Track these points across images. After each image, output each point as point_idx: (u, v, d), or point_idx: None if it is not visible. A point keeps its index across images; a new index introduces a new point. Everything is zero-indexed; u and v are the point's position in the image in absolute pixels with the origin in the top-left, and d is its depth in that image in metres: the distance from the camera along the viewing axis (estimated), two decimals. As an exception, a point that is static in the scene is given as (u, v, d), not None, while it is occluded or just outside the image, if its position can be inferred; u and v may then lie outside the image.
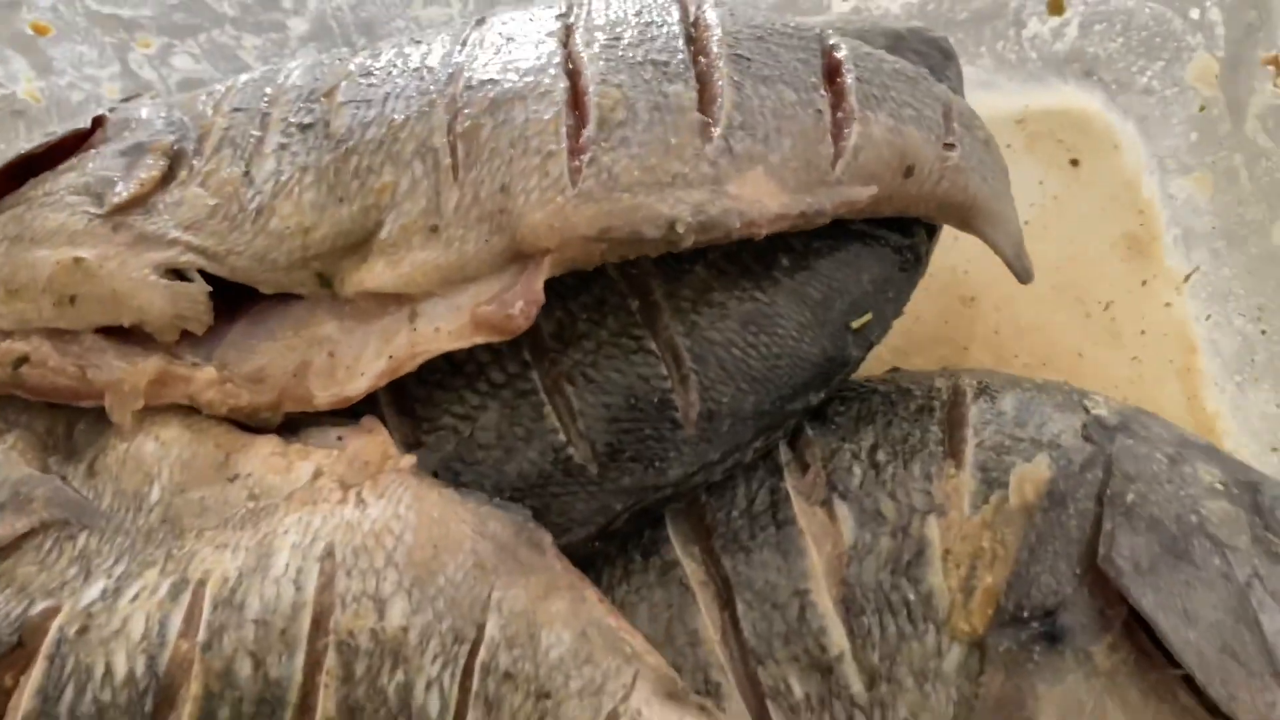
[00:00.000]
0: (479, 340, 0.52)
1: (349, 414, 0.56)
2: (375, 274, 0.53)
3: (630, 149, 0.52)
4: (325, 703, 0.47)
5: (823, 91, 0.57)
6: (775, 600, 0.55)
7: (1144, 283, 0.76)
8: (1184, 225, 0.75)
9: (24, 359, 0.54)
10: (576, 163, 0.52)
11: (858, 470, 0.59)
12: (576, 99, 0.54)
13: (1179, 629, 0.54)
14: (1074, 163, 0.77)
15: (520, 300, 0.51)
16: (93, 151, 0.58)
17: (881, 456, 0.59)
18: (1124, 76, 0.78)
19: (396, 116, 0.55)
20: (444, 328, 0.53)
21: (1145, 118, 0.76)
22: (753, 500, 0.58)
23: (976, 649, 0.55)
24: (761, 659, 0.54)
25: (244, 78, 0.61)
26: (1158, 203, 0.76)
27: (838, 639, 0.55)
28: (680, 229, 0.51)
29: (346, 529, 0.49)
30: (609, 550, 0.58)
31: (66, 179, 0.57)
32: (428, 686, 0.47)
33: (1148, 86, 0.77)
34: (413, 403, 0.57)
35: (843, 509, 0.57)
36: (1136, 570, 0.55)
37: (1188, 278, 0.74)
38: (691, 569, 0.57)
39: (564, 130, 0.52)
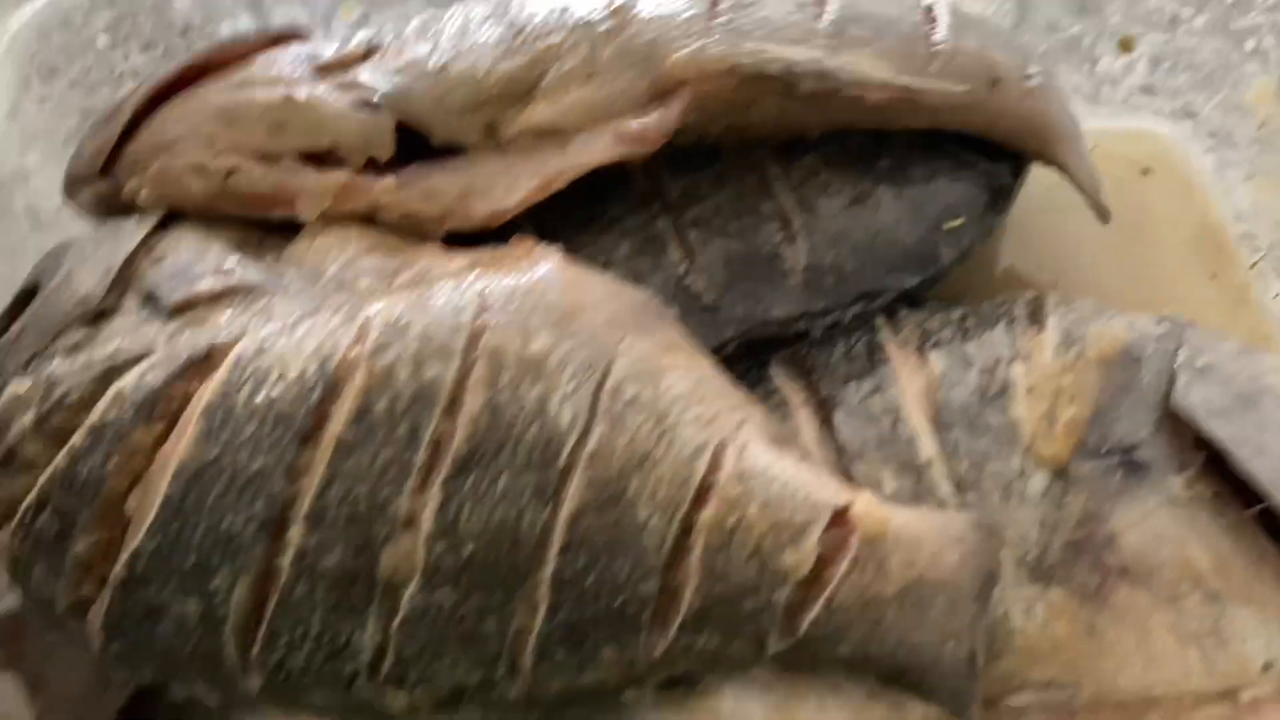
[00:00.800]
0: (620, 153, 0.61)
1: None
2: (538, 112, 0.63)
3: (758, 17, 0.63)
4: (472, 401, 0.53)
5: (920, 14, 0.68)
6: (870, 415, 0.60)
7: (1213, 275, 0.82)
8: (1250, 225, 0.83)
9: (233, 170, 0.64)
10: (712, 23, 0.62)
11: (948, 330, 0.65)
12: (714, -12, 0.65)
13: (1254, 458, 0.58)
14: (1145, 171, 0.85)
15: (657, 119, 0.60)
16: (304, 41, 0.70)
17: (970, 323, 0.65)
18: (1190, 105, 0.87)
19: (563, 4, 0.66)
20: (590, 149, 0.62)
21: (1213, 134, 0.85)
22: (850, 348, 0.64)
23: (1059, 477, 0.59)
24: (855, 457, 0.59)
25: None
26: (1224, 207, 0.84)
27: (927, 447, 0.59)
28: (799, 70, 0.61)
29: (504, 278, 0.56)
30: (717, 383, 0.64)
31: (285, 52, 0.69)
32: (562, 400, 0.53)
33: (1211, 112, 0.86)
34: (555, 243, 0.65)
35: (933, 354, 0.63)
36: (1210, 412, 0.60)
37: (1254, 265, 0.81)
38: (792, 393, 0.62)
39: (705, 2, 0.63)
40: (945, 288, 0.70)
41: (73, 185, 0.71)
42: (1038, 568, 0.58)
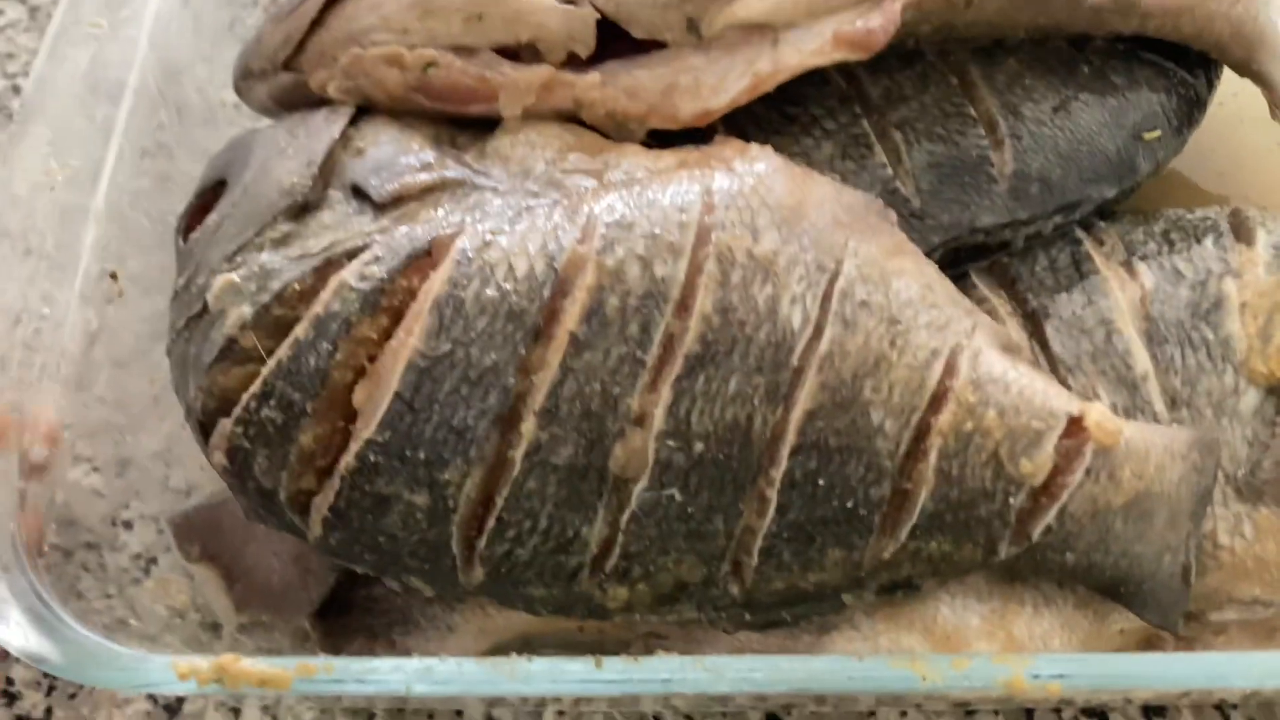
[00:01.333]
0: (838, 58, 0.59)
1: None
2: (747, 6, 0.61)
3: (980, -87, 0.61)
4: (703, 300, 0.52)
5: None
6: (1082, 327, 0.60)
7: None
8: None
9: (432, 63, 0.63)
10: (936, -84, 0.60)
11: (1153, 244, 0.63)
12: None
13: None
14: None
15: (880, 18, 0.59)
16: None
17: (1175, 236, 0.64)
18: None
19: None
20: (805, 48, 0.60)
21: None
22: (1054, 260, 0.63)
23: (1273, 394, 0.58)
24: (1071, 370, 0.58)
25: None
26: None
27: (1142, 361, 0.58)
28: (1023, -41, 0.59)
29: (723, 177, 0.56)
30: (917, 293, 0.63)
31: (476, -58, 0.67)
32: (792, 301, 0.52)
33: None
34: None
35: (1141, 266, 0.62)
36: None
37: None
38: (999, 303, 0.62)
39: (924, -104, 0.61)
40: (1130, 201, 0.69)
41: (246, 80, 0.71)
42: (1247, 485, 0.57)
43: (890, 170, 0.62)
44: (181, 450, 0.67)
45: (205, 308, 0.58)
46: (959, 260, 0.64)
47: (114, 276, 0.64)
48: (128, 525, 0.67)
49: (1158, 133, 0.68)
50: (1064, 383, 0.58)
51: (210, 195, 0.66)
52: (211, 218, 0.63)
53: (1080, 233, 0.65)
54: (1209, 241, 0.62)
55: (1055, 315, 0.60)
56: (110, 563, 0.65)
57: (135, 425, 0.68)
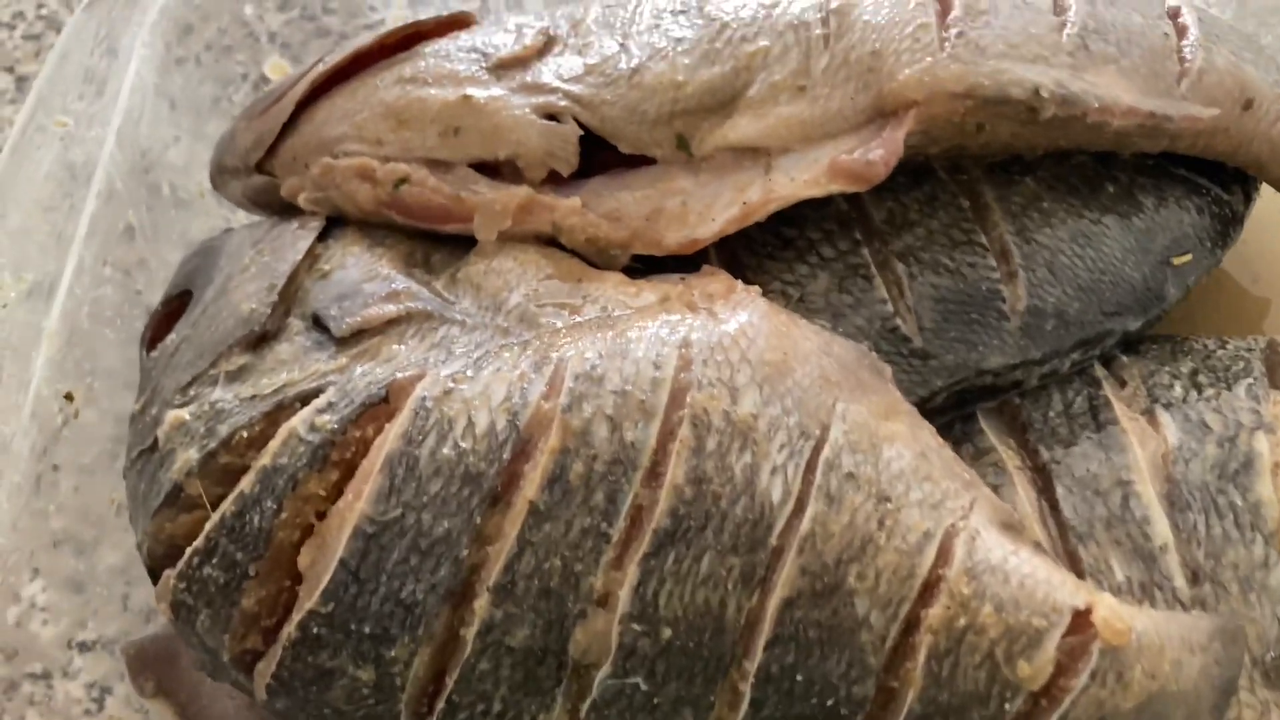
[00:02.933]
0: (834, 189, 0.55)
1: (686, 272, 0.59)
2: (739, 127, 0.57)
3: (995, 30, 0.56)
4: (675, 469, 0.48)
5: (1167, 22, 0.60)
6: (1097, 488, 0.55)
7: None
8: None
9: (405, 179, 0.59)
10: (945, 34, 0.55)
11: (1179, 388, 0.58)
12: (941, -6, 0.58)
13: None
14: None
15: (882, 150, 0.54)
16: (474, 29, 0.65)
17: (1203, 379, 0.59)
18: None
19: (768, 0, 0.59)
20: (800, 177, 0.56)
21: None
22: (1070, 404, 0.58)
23: (1306, 568, 0.53)
24: (1082, 538, 0.54)
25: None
26: None
27: (1162, 530, 0.53)
28: (1045, 94, 0.54)
29: (702, 328, 0.51)
30: (919, 436, 0.58)
31: (455, 43, 0.63)
32: (772, 471, 0.48)
33: None
34: (743, 270, 0.60)
35: (1165, 416, 0.57)
36: None
37: None
38: (1007, 455, 0.57)
39: (933, 11, 0.56)
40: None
41: (220, 175, 0.67)
42: (1276, 670, 0.52)
43: (890, 305, 0.58)
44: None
45: (155, 443, 0.55)
46: (965, 401, 0.59)
47: (69, 397, 0.60)
48: (84, 647, 0.64)
49: (1189, 256, 0.63)
50: (1074, 552, 0.53)
51: (176, 303, 0.63)
52: (171, 336, 0.59)
53: (1100, 370, 0.60)
54: (1241, 389, 0.57)
55: (1068, 472, 0.55)
56: (60, 692, 0.62)
57: (95, 540, 0.64)
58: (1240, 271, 0.75)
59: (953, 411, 0.59)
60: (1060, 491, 0.55)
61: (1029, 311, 0.58)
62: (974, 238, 0.59)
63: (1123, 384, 0.59)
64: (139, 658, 0.61)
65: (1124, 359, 0.61)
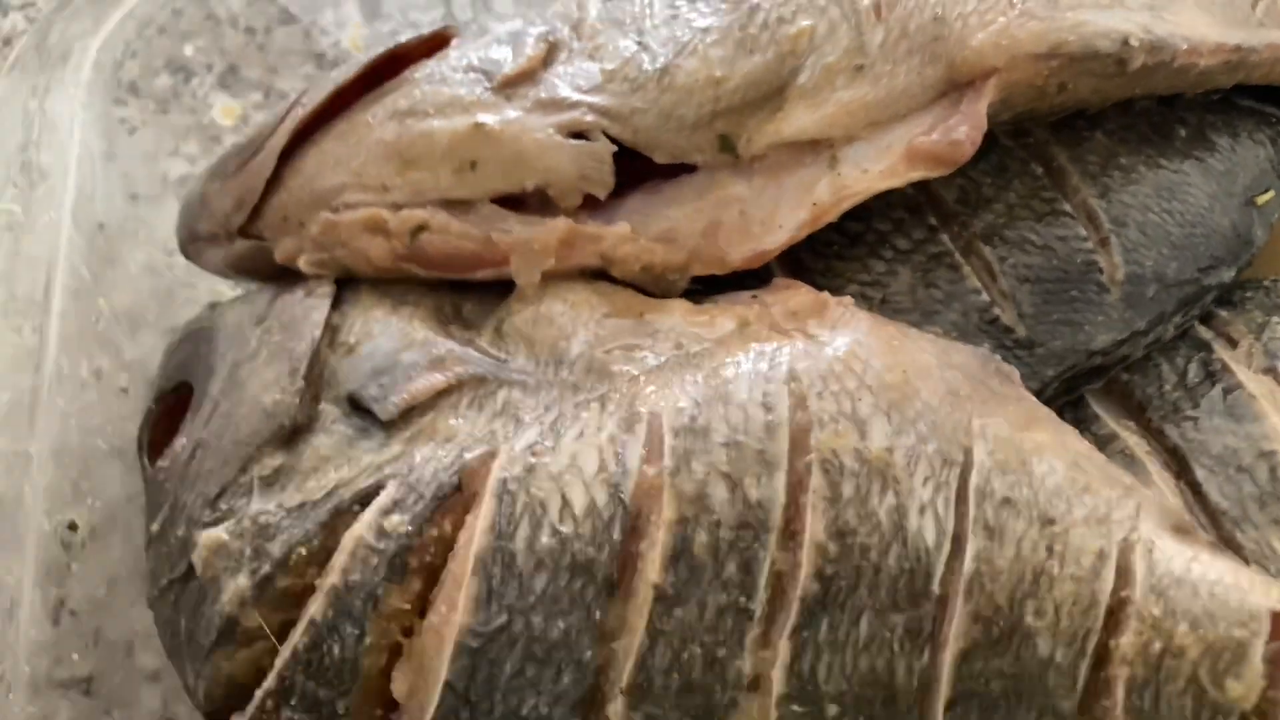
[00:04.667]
0: (915, 176, 0.49)
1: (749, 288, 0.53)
2: (793, 120, 0.51)
3: (1067, -23, 0.50)
4: (813, 525, 0.42)
5: (1230, -53, 0.55)
6: (1239, 464, 0.50)
7: None
8: None
9: (423, 226, 0.52)
10: (1013, -11, 0.50)
11: (1294, 338, 0.54)
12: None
13: None
14: None
15: (965, 125, 0.48)
16: (460, 44, 0.58)
17: (1316, 324, 0.54)
18: None
19: (803, -30, 0.53)
20: (873, 167, 0.50)
21: None
22: (1184, 374, 0.54)
23: None
24: (1237, 522, 0.49)
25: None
26: None
27: (1320, 499, 0.49)
28: (1134, 43, 0.49)
29: (806, 356, 0.45)
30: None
31: (447, 63, 0.56)
32: (921, 510, 0.43)
33: None
34: (812, 275, 0.54)
35: (1292, 373, 0.52)
36: None
37: None
38: (1133, 441, 0.52)
39: (996, -37, 0.50)
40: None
41: (194, 244, 0.60)
42: None
43: (985, 294, 0.52)
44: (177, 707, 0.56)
45: (191, 571, 0.47)
46: (1073, 387, 0.54)
47: (73, 527, 0.53)
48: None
49: (1271, 194, 0.58)
50: (1232, 539, 0.49)
51: (172, 399, 0.56)
52: (180, 441, 0.52)
53: (1204, 331, 0.55)
54: (1363, 332, 0.53)
55: (1203, 451, 0.50)
56: None
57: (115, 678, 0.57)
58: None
59: (1063, 399, 0.53)
60: (1201, 474, 0.50)
61: (1129, 279, 0.53)
62: (1057, 206, 0.54)
63: (1234, 343, 0.54)
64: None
65: (1223, 314, 0.56)
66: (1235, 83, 0.56)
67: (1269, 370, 0.53)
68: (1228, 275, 0.56)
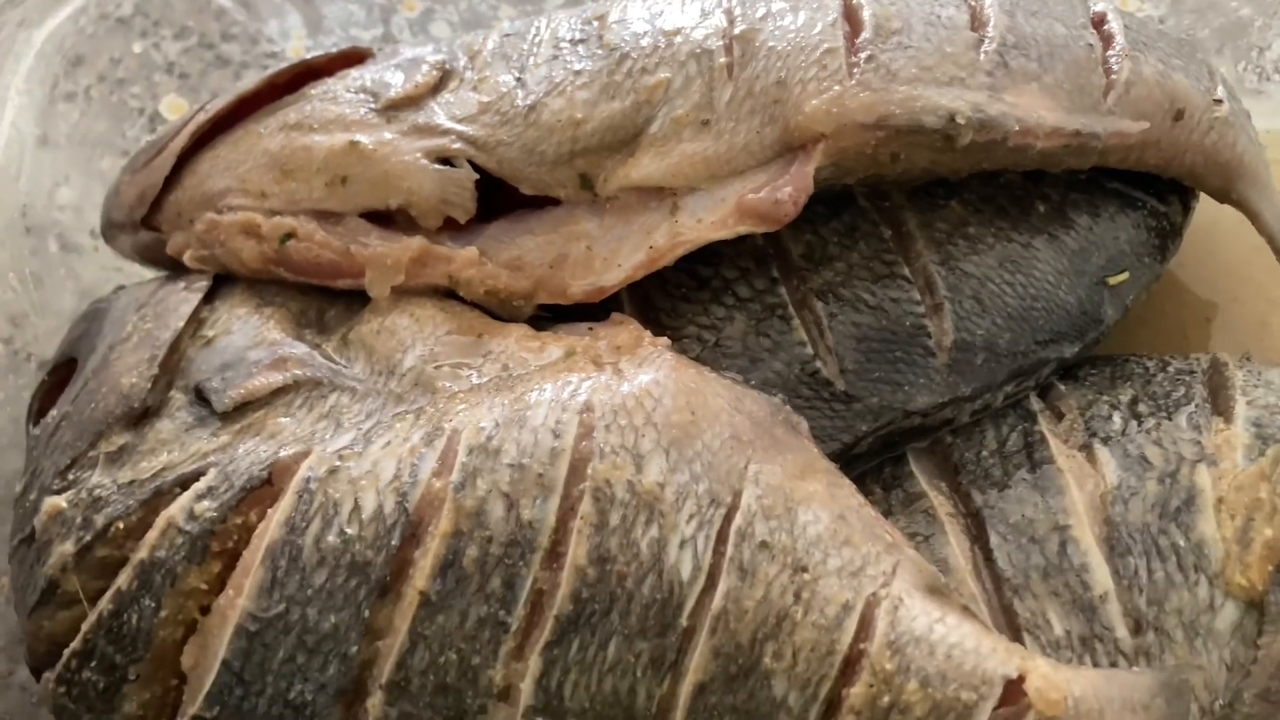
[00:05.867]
0: (742, 230, 0.52)
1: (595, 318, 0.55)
2: (641, 167, 0.54)
3: (907, 52, 0.52)
4: (576, 549, 0.45)
5: (1092, 32, 0.57)
6: (1033, 535, 0.52)
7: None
8: None
9: (291, 234, 0.56)
10: (854, 59, 0.52)
11: (1118, 419, 0.55)
12: (850, 13, 0.54)
13: None
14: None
15: (790, 187, 0.51)
16: (369, 64, 0.61)
17: (1143, 409, 0.56)
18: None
19: (669, 26, 0.56)
20: (707, 218, 0.52)
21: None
22: (1004, 442, 0.55)
23: (1254, 609, 0.51)
24: (1018, 591, 0.51)
25: (507, 24, 0.64)
26: None
27: (1101, 578, 0.51)
28: (961, 121, 0.51)
29: (605, 389, 0.48)
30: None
31: (344, 82, 0.59)
32: (681, 545, 0.45)
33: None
34: (657, 313, 0.57)
35: (1104, 452, 0.54)
36: None
37: None
38: (939, 501, 0.54)
39: (841, 33, 0.53)
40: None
41: (110, 230, 0.63)
42: (1226, 718, 0.50)
43: (810, 348, 0.54)
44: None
45: (34, 533, 0.51)
46: (894, 443, 0.56)
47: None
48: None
49: (1126, 275, 0.60)
50: (1010, 606, 0.50)
51: (64, 371, 0.59)
52: (53, 412, 0.56)
53: (1036, 402, 0.57)
54: (1182, 418, 0.55)
55: (1002, 519, 0.52)
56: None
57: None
58: (1190, 279, 0.73)
59: (882, 454, 0.56)
60: (994, 540, 0.52)
61: (956, 346, 0.55)
62: (896, 270, 0.56)
63: (1060, 417, 0.56)
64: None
65: (1061, 387, 0.58)
66: (1092, 165, 0.58)
67: (1084, 447, 0.54)
68: (1069, 350, 0.58)
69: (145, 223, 0.61)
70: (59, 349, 0.61)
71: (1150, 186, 0.61)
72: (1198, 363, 0.59)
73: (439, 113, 0.56)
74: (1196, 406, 0.55)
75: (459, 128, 0.55)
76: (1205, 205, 0.65)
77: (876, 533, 0.47)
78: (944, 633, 0.45)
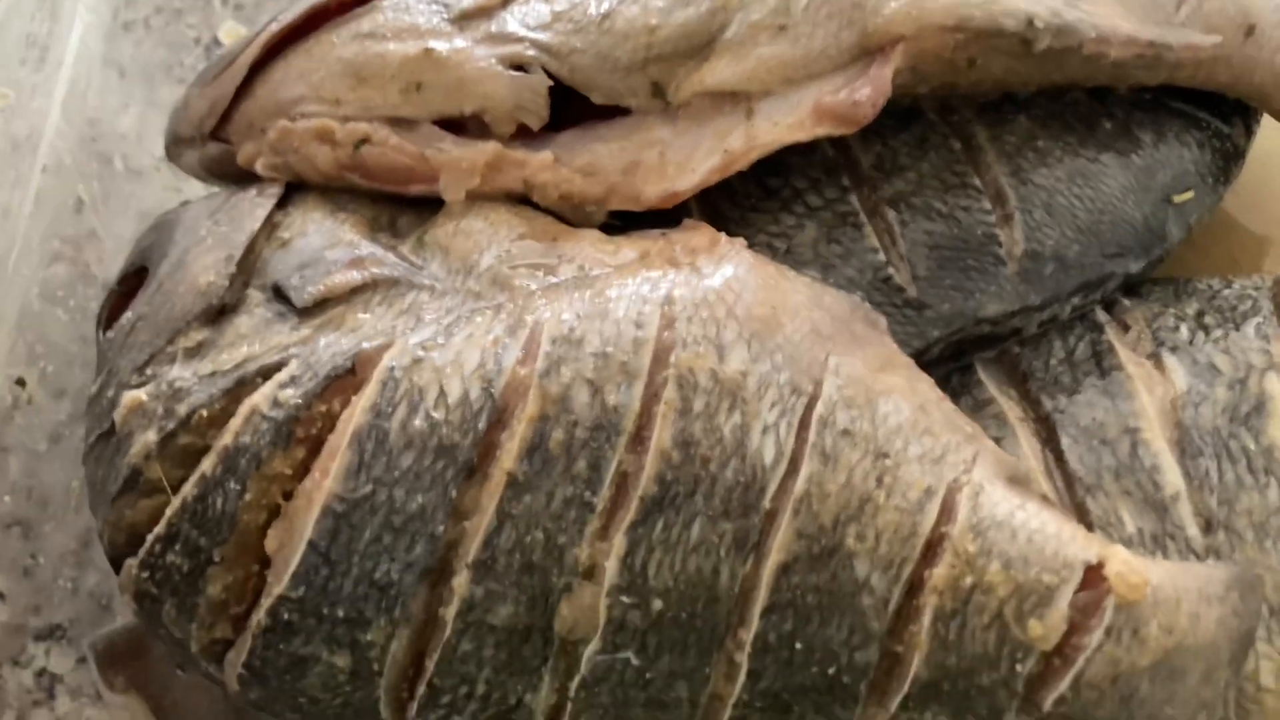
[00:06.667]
0: (819, 132, 0.52)
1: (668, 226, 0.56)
2: (716, 71, 0.54)
3: (985, -42, 0.53)
4: (661, 433, 0.45)
5: (1165, -52, 0.57)
6: (1103, 437, 0.52)
7: None
8: None
9: (366, 139, 0.56)
10: (932, -36, 0.52)
11: (1185, 330, 0.56)
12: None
13: None
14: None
15: (868, 88, 0.51)
16: (436, -21, 0.61)
17: (1210, 320, 0.56)
18: None
19: (743, -63, 0.56)
20: (783, 121, 0.53)
21: None
22: (1072, 351, 0.56)
23: (1324, 512, 0.51)
24: (1090, 489, 0.51)
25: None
26: None
27: (1173, 479, 0.51)
28: (1039, 25, 0.51)
29: (685, 284, 0.49)
30: (917, 390, 0.56)
31: (415, -6, 0.60)
32: (764, 431, 0.45)
33: None
34: (727, 223, 0.57)
35: (1172, 360, 0.54)
36: None
37: None
38: (1008, 406, 0.54)
39: (918, -61, 0.53)
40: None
41: (176, 146, 0.64)
42: (1296, 618, 0.50)
43: (883, 255, 0.55)
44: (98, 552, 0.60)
45: (113, 427, 0.52)
46: (963, 352, 0.56)
47: (20, 383, 0.57)
48: (36, 635, 0.61)
49: (1190, 193, 0.60)
50: (1082, 505, 0.51)
51: (133, 281, 0.60)
52: (127, 315, 0.56)
53: (1102, 315, 0.57)
54: (1250, 328, 0.55)
55: (1072, 422, 0.53)
56: (11, 682, 0.59)
57: (45, 523, 0.61)
58: (1241, 208, 0.73)
59: (950, 363, 0.56)
60: (1065, 442, 0.52)
61: (1026, 255, 0.55)
62: (967, 180, 0.56)
63: (1126, 328, 0.56)
64: (107, 652, 0.59)
65: (1127, 303, 0.58)
66: (1161, 82, 0.58)
67: (1153, 355, 0.55)
68: (1135, 265, 0.58)
69: (215, 135, 0.61)
70: (128, 260, 0.62)
71: (1215, 108, 0.61)
72: (1262, 280, 0.59)
73: (512, 21, 0.57)
74: (1264, 318, 0.55)
75: (533, 35, 0.56)
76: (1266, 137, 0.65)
77: (957, 424, 0.47)
78: (1025, 518, 0.45)
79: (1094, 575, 0.45)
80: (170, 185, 0.69)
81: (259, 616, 0.47)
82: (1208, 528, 0.50)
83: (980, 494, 0.45)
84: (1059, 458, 0.52)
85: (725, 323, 0.47)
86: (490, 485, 0.45)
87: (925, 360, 0.55)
